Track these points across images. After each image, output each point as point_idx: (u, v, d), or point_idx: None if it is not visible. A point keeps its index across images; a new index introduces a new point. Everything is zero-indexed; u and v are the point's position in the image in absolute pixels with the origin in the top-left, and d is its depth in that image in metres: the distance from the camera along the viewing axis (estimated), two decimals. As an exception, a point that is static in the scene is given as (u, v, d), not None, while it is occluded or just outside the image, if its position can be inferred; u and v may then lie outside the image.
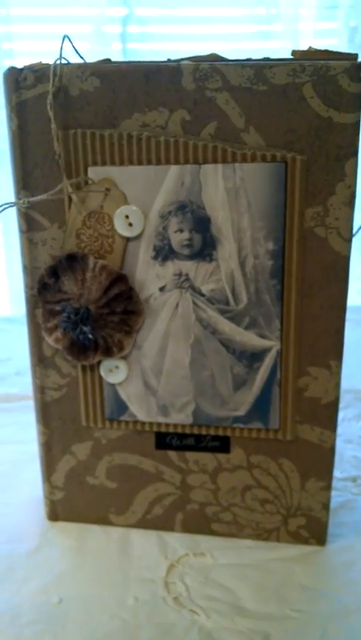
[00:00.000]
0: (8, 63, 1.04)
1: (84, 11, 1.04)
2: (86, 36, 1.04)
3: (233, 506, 0.42)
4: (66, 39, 0.36)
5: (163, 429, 0.41)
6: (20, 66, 0.36)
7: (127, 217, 0.37)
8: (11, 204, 0.36)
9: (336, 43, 1.07)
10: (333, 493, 0.46)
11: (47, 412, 0.42)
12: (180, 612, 0.36)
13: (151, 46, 1.06)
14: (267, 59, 0.35)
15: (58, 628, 0.35)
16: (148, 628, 0.35)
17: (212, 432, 0.40)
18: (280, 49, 1.08)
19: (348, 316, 0.38)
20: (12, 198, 0.38)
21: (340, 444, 0.54)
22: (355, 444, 0.55)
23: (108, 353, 0.39)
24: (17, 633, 0.35)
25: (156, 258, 0.37)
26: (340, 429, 0.57)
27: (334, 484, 0.48)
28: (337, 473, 0.49)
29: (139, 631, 0.35)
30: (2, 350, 0.80)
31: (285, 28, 1.07)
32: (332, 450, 0.39)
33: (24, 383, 0.68)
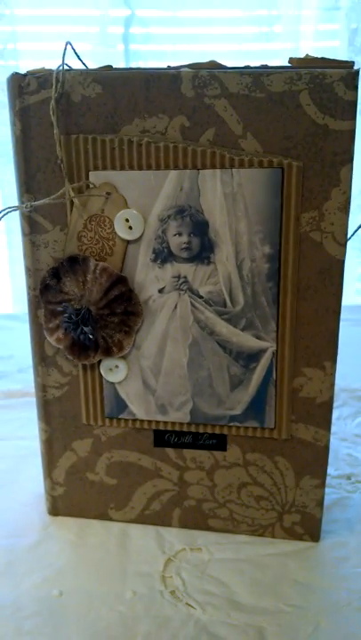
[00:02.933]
0: (12, 64, 1.06)
1: (88, 12, 1.05)
2: (90, 37, 1.05)
3: (229, 502, 0.43)
4: (68, 45, 0.37)
5: (161, 427, 0.42)
6: (23, 71, 0.37)
7: (127, 220, 0.38)
8: (14, 208, 0.37)
9: (337, 44, 1.07)
10: (328, 491, 0.47)
11: (48, 410, 0.43)
12: (177, 605, 0.37)
13: (153, 47, 1.06)
14: (265, 66, 0.36)
15: (57, 621, 0.36)
16: (145, 621, 0.36)
17: (209, 430, 0.41)
18: (281, 50, 1.08)
19: (346, 315, 0.39)
20: (16, 199, 0.39)
21: (335, 442, 0.55)
22: (349, 442, 0.56)
23: (108, 353, 0.40)
24: (17, 625, 0.36)
25: (155, 260, 0.38)
26: (335, 428, 0.58)
27: (329, 481, 0.49)
28: (332, 470, 0.50)
29: (136, 624, 0.36)
30: (4, 348, 0.81)
31: (287, 30, 1.08)
32: (326, 448, 0.40)
33: (26, 380, 0.69)
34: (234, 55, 1.07)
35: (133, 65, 1.04)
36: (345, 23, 1.05)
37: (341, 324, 0.38)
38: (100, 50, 1.05)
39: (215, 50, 1.04)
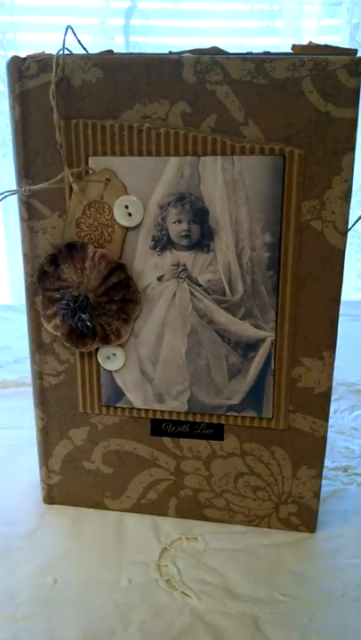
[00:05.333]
0: (11, 54, 1.05)
1: (88, 3, 1.04)
2: (90, 28, 1.04)
3: (226, 492, 0.43)
4: (69, 30, 0.37)
5: (158, 416, 0.42)
6: (23, 55, 0.37)
7: (127, 207, 0.37)
8: (12, 192, 0.36)
9: (338, 40, 1.07)
10: (324, 483, 0.47)
11: (45, 398, 0.43)
12: (172, 594, 0.37)
13: (154, 40, 1.06)
14: (267, 53, 0.36)
15: (52, 609, 0.36)
16: (140, 610, 0.36)
17: (206, 420, 0.41)
18: (283, 45, 1.08)
19: (344, 310, 0.39)
20: (15, 185, 0.39)
21: (332, 435, 0.55)
22: (346, 435, 0.56)
23: (106, 340, 0.40)
24: (12, 612, 0.36)
25: (154, 248, 0.38)
26: (332, 421, 0.58)
27: (326, 473, 0.49)
28: (328, 463, 0.50)
29: (131, 612, 0.36)
30: (1, 338, 0.81)
31: (288, 25, 1.08)
32: (323, 439, 0.40)
33: (22, 371, 0.69)
34: (235, 49, 1.06)
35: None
36: (347, 18, 1.05)
37: (340, 319, 0.38)
38: (101, 41, 1.04)
39: (216, 43, 1.03)
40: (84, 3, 1.05)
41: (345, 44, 1.05)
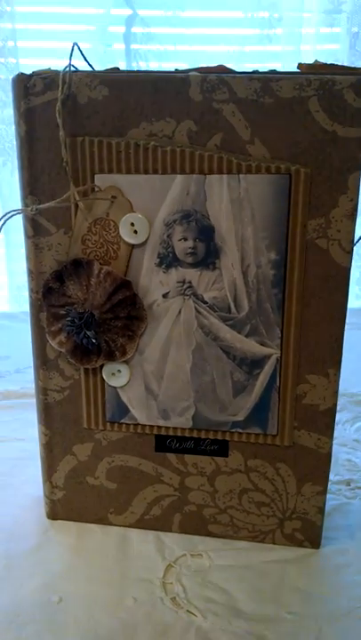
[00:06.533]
0: (12, 61, 1.05)
1: (89, 10, 1.04)
2: (90, 35, 1.04)
3: (230, 508, 0.43)
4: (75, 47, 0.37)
5: (163, 432, 0.41)
6: (26, 70, 0.37)
7: (132, 224, 0.37)
8: (18, 211, 0.36)
9: (338, 48, 1.07)
10: (328, 497, 0.47)
11: (49, 414, 0.43)
12: (178, 612, 0.37)
13: (154, 47, 1.06)
14: (273, 71, 0.36)
15: (57, 627, 0.36)
16: (145, 628, 0.36)
17: (211, 436, 0.41)
18: (282, 53, 1.08)
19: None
20: (19, 199, 0.38)
21: (334, 448, 0.54)
22: (349, 447, 0.56)
23: (111, 357, 0.40)
24: (17, 631, 0.36)
25: (160, 265, 0.38)
26: (334, 433, 0.58)
27: (329, 487, 0.48)
28: (331, 476, 0.50)
29: (137, 631, 0.36)
30: (1, 348, 0.81)
31: (288, 32, 1.08)
32: (328, 455, 0.40)
33: (23, 381, 0.68)
34: (235, 56, 1.06)
35: (135, 64, 1.04)
36: (346, 27, 1.05)
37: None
38: (101, 49, 1.04)
39: (216, 50, 1.03)
40: (85, 10, 1.05)
41: (344, 53, 1.05)
